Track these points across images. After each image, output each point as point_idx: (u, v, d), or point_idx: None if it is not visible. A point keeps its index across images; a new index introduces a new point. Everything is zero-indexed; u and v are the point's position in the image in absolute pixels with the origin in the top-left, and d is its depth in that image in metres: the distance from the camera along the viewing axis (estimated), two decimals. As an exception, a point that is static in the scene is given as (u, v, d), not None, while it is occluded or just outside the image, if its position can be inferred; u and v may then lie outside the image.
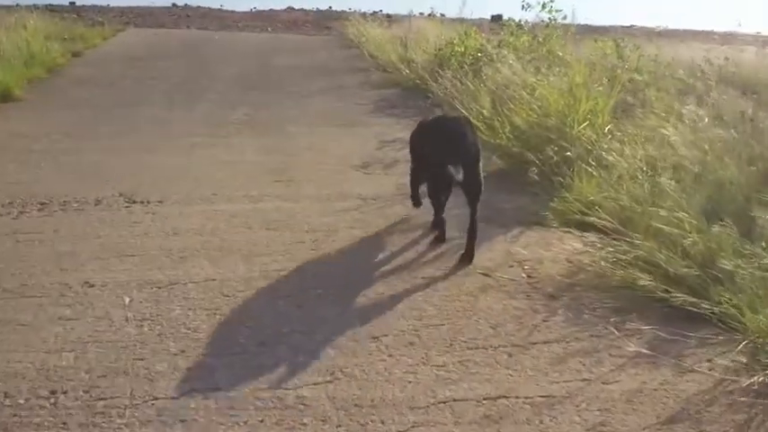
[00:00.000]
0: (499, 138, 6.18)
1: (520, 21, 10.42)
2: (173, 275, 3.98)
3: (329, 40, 17.48)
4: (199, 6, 24.83)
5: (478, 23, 22.26)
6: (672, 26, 25.61)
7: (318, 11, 25.67)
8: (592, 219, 4.71)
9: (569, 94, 6.03)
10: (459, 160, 4.10)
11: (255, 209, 5.16)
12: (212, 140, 7.15)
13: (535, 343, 3.44)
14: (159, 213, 4.99)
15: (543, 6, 8.83)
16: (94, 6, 23.65)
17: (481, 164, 4.46)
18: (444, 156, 4.13)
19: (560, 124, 5.85)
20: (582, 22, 12.04)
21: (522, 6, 8.88)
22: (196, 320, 3.50)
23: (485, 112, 6.69)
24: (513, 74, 7.18)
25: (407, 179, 5.07)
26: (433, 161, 4.31)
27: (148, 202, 5.22)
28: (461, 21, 20.54)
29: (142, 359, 3.13)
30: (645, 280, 3.87)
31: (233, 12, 23.93)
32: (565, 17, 9.30)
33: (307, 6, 26.19)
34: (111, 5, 24.01)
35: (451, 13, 20.67)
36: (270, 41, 16.56)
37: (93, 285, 3.82)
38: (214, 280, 3.95)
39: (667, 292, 3.73)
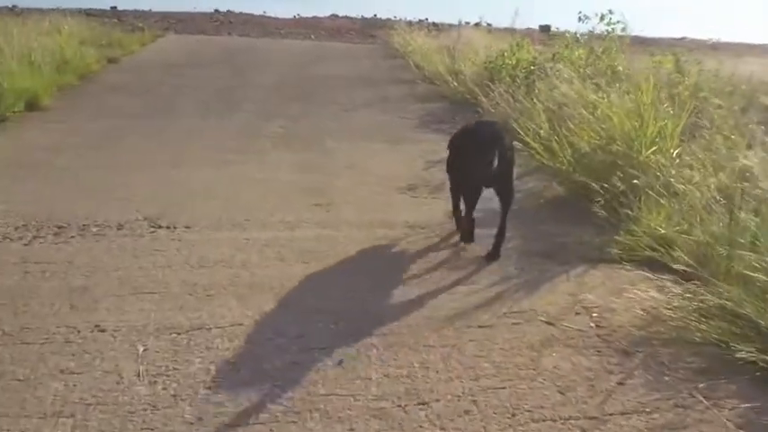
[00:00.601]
0: (559, 162, 5.63)
1: (575, 32, 9.80)
2: (195, 319, 3.50)
3: (373, 48, 17.04)
4: (241, 12, 24.58)
5: (527, 34, 21.73)
6: (724, 39, 24.78)
7: (363, 18, 25.30)
8: (665, 257, 4.19)
9: (636, 114, 5.45)
10: (496, 160, 4.15)
11: (291, 237, 4.68)
12: (246, 155, 6.69)
13: (612, 414, 2.92)
14: (186, 241, 4.53)
15: (602, 18, 8.24)
16: (136, 11, 23.54)
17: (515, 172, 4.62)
18: (483, 156, 4.16)
19: (626, 149, 5.27)
20: (632, 34, 11.42)
21: (579, 18, 8.32)
22: (218, 377, 3.00)
23: (542, 132, 6.13)
24: (571, 90, 6.60)
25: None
26: (470, 162, 4.37)
27: (175, 228, 4.76)
28: (510, 31, 20.09)
29: (151, 430, 2.64)
30: (734, 339, 3.33)
31: (276, 18, 23.65)
32: (624, 29, 8.69)
33: (351, 14, 25.84)
34: (153, 10, 23.87)
35: (500, 22, 20.15)
36: (312, 49, 16.16)
37: (104, 330, 3.35)
38: (241, 324, 3.47)
39: (760, 352, 3.20)
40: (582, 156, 5.48)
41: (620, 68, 7.90)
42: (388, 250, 4.54)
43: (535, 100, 7.54)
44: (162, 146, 6.89)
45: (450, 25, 23.78)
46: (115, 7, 24.20)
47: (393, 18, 24.25)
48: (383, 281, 4.08)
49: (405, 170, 6.42)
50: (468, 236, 4.62)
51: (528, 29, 24.68)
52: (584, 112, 5.99)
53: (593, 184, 5.07)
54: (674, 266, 4.12)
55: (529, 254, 4.53)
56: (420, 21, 23.96)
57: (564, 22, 24.90)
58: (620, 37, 8.73)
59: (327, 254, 4.42)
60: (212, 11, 25.05)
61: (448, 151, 4.84)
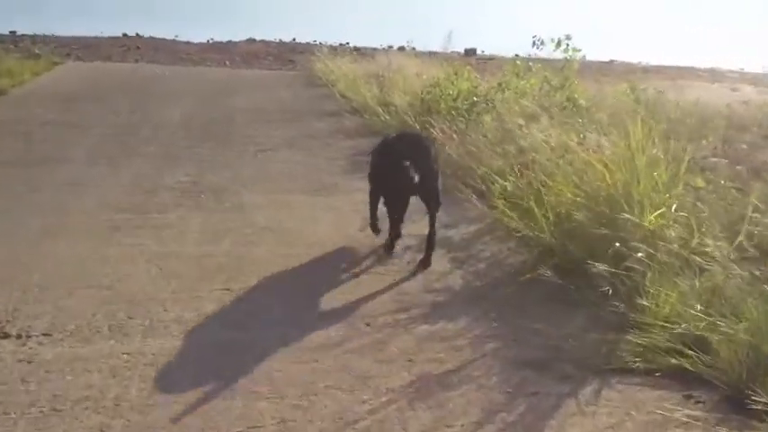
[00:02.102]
0: (537, 228, 4.49)
1: (524, 58, 8.79)
2: None
3: (294, 76, 15.80)
4: (151, 37, 22.98)
5: (449, 57, 20.90)
6: (652, 62, 24.56)
7: (281, 42, 24.03)
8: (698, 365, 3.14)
9: (623, 163, 4.37)
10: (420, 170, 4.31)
11: (185, 350, 3.40)
12: (141, 218, 5.37)
13: None
14: (39, 362, 3.23)
15: (558, 44, 7.19)
16: (36, 36, 21.70)
17: (440, 181, 4.76)
18: (404, 169, 4.26)
19: (619, 209, 4.20)
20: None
21: (534, 43, 7.27)
22: None
23: (508, 185, 5.01)
24: (535, 130, 5.52)
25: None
26: (392, 174, 4.40)
27: (28, 337, 3.46)
28: (433, 55, 19.21)
29: None
30: None
31: (188, 43, 22.16)
32: (584, 57, 7.68)
33: (268, 37, 24.49)
34: (57, 35, 22.10)
35: (424, 45, 19.23)
36: (227, 77, 14.82)
37: None
38: None
39: None
40: (564, 219, 4.35)
41: (582, 102, 6.88)
42: (325, 368, 3.31)
43: (488, 137, 6.48)
44: (31, 207, 5.49)
45: (374, 49, 22.80)
46: (14, 32, 22.30)
47: (313, 42, 23.10)
48: (318, 423, 2.85)
49: (337, 233, 5.24)
50: (388, 247, 4.81)
51: (453, 52, 23.96)
52: (557, 159, 4.90)
53: (590, 264, 3.96)
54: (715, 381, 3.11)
55: (517, 364, 3.39)
56: (341, 45, 22.88)
57: (488, 45, 24.28)
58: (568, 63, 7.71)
59: (237, 375, 3.17)
60: (120, 35, 23.36)
61: (369, 162, 4.87)
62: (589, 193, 4.40)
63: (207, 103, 11.07)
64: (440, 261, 4.73)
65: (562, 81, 7.19)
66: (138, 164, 6.99)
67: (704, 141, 6.11)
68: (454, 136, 7.18)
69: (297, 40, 24.78)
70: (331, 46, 19.52)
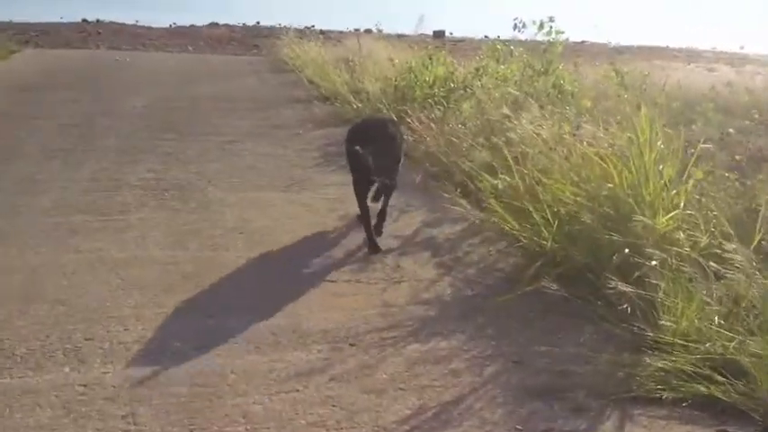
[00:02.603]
0: (534, 232, 4.15)
1: (501, 41, 8.43)
2: None
3: (259, 61, 15.29)
4: (112, 22, 22.19)
5: (418, 41, 20.52)
6: (623, 42, 24.36)
7: (245, 27, 23.43)
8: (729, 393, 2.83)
9: (636, 160, 4.06)
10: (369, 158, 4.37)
11: (149, 380, 3.04)
12: (100, 220, 4.99)
13: None
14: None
15: (541, 26, 6.86)
16: (-7, 22, 20.88)
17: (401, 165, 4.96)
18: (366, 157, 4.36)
19: (628, 209, 3.89)
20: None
21: (515, 26, 6.94)
22: None
23: (498, 183, 4.68)
24: (524, 120, 5.19)
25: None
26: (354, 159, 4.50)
27: (-34, 364, 3.07)
28: (401, 38, 18.82)
29: None
30: None
31: (149, 28, 21.43)
32: (567, 39, 7.34)
33: (232, 21, 23.87)
34: (15, 21, 21.28)
35: (391, 29, 18.86)
36: (190, 64, 14.26)
37: None
38: None
39: None
40: (565, 221, 4.03)
41: (569, 88, 6.57)
42: (302, 398, 2.98)
43: (468, 127, 6.16)
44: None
45: (341, 32, 22.34)
46: (-33, 19, 21.46)
47: (278, 26, 22.54)
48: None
49: (312, 235, 4.91)
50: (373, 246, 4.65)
51: (421, 35, 23.56)
52: (550, 152, 4.59)
53: (596, 273, 3.66)
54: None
55: (523, 393, 3.07)
56: (307, 28, 22.35)
57: (457, 27, 23.93)
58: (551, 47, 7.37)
59: (204, 409, 2.83)
60: (80, 20, 22.58)
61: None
62: (590, 192, 4.08)
63: (169, 90, 10.58)
64: (426, 267, 4.42)
65: (545, 65, 6.86)
66: (97, 158, 6.55)
67: (693, 127, 5.86)
68: (432, 126, 6.85)
69: (260, 24, 24.21)
70: (296, 29, 18.95)
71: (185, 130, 7.92)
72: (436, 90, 8.02)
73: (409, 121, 7.05)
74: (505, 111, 5.40)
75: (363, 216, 4.70)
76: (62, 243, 4.51)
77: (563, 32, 7.17)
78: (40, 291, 3.83)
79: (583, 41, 22.69)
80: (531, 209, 4.15)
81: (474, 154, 5.42)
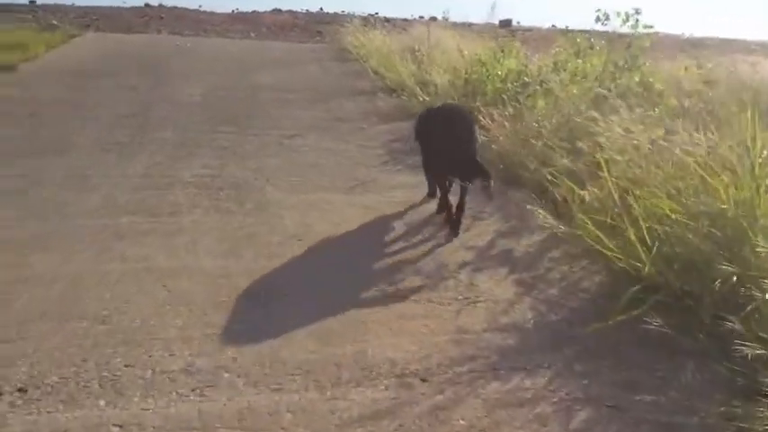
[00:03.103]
0: (632, 255, 3.62)
1: (577, 32, 7.83)
2: None
3: (322, 49, 14.89)
4: (174, 7, 22.11)
5: (485, 29, 19.91)
6: (696, 34, 23.26)
7: (308, 13, 23.07)
8: None
9: (747, 173, 3.51)
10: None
11: (197, 419, 2.66)
12: (150, 222, 4.64)
13: None
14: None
15: (627, 18, 6.28)
16: (56, 5, 20.96)
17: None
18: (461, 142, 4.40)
19: (735, 232, 3.36)
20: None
21: (597, 18, 6.37)
22: None
23: (586, 195, 4.17)
24: (613, 122, 4.66)
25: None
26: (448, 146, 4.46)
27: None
28: (468, 26, 18.25)
29: None
30: None
31: (212, 13, 21.26)
32: (656, 33, 6.74)
33: (295, 7, 23.56)
34: (77, 5, 21.36)
35: (456, 16, 18.28)
36: (252, 51, 13.93)
37: None
38: None
39: None
40: (663, 241, 3.50)
41: (658, 86, 5.99)
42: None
43: (546, 126, 5.65)
44: (25, 208, 4.75)
45: (405, 20, 21.85)
46: (34, 1, 21.55)
47: (341, 12, 22.17)
48: None
49: (378, 245, 4.48)
50: (450, 217, 4.69)
51: (487, 23, 22.91)
52: (642, 159, 4.05)
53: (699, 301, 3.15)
54: None
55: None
56: (370, 15, 21.90)
57: (523, 16, 23.19)
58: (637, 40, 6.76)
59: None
60: (142, 5, 22.55)
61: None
62: (690, 209, 3.54)
63: (229, 79, 10.26)
64: (503, 285, 3.94)
65: (631, 61, 6.28)
66: (151, 152, 6.23)
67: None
68: (506, 124, 6.34)
69: (324, 11, 23.85)
70: (360, 16, 18.50)
71: (244, 122, 7.56)
72: (509, 85, 7.48)
73: (480, 117, 6.55)
74: (593, 113, 4.84)
75: (445, 197, 4.77)
76: (107, 249, 4.16)
77: (651, 26, 6.57)
78: (80, 305, 3.47)
79: (655, 32, 21.75)
80: (624, 225, 3.62)
81: (553, 157, 4.90)
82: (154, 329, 3.28)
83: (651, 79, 6.07)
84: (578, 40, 7.17)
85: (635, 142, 4.26)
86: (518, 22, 23.50)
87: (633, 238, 3.50)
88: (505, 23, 22.37)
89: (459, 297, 3.76)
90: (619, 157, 4.25)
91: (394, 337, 3.34)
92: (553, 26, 24.43)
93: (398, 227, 4.76)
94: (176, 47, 13.68)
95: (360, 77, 10.91)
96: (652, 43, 7.21)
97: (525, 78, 7.49)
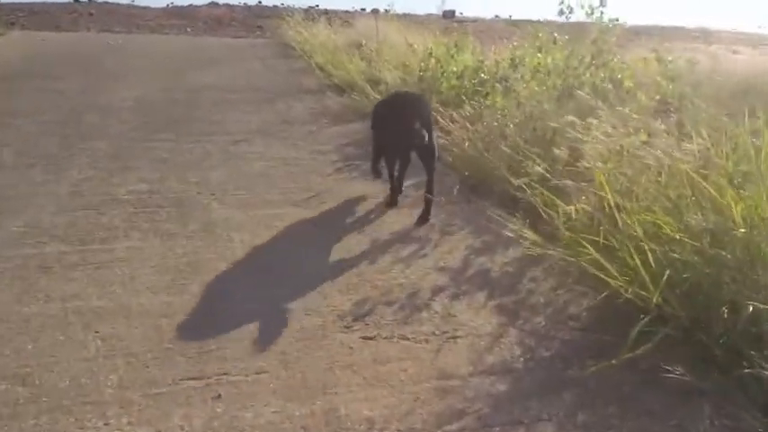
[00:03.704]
0: (633, 278, 3.21)
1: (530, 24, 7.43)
2: None
3: (263, 44, 14.33)
4: (105, 2, 21.20)
5: (425, 20, 19.53)
6: (634, 22, 23.18)
7: (246, 6, 22.41)
8: None
9: (756, 182, 3.14)
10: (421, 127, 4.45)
11: None
12: (79, 251, 4.08)
13: None
14: None
15: (591, 11, 5.90)
16: (-18, 3, 19.88)
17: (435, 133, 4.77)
18: (410, 123, 4.45)
19: (746, 253, 2.98)
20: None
21: (561, 11, 5.97)
22: None
23: (571, 211, 3.76)
24: (592, 126, 4.27)
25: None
26: (397, 129, 4.59)
27: None
28: (407, 17, 17.83)
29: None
30: None
31: (145, 8, 20.44)
32: (621, 23, 6.37)
33: (233, 1, 22.82)
34: (3, 2, 20.29)
35: (399, 8, 17.84)
36: (188, 48, 13.28)
37: None
38: None
39: None
40: (666, 265, 3.09)
41: (628, 83, 5.62)
42: None
43: (509, 127, 5.27)
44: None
45: (346, 12, 21.35)
46: (-43, 0, 20.43)
47: (280, 5, 21.54)
48: None
49: (339, 268, 4.00)
50: (393, 199, 4.98)
51: (428, 14, 22.54)
52: (638, 173, 3.66)
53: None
54: None
55: None
56: (310, 8, 21.32)
57: (464, 6, 22.85)
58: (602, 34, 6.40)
59: None
60: (71, 1, 21.54)
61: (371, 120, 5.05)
62: (692, 226, 3.15)
63: (166, 79, 9.64)
64: (483, 314, 3.52)
65: (595, 55, 5.91)
66: (81, 165, 5.64)
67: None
68: (468, 125, 5.93)
69: (262, 3, 23.18)
70: (301, 9, 17.92)
71: (184, 128, 7.00)
72: (466, 82, 7.07)
73: (439, 118, 6.13)
74: (569, 116, 4.44)
75: (390, 176, 4.97)
76: (29, 286, 3.61)
77: (617, 19, 6.21)
78: (-5, 361, 2.93)
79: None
80: (616, 245, 3.22)
81: (522, 163, 4.51)
82: (85, 390, 2.77)
83: (620, 75, 5.69)
84: (540, 34, 6.78)
85: (617, 147, 3.86)
86: (461, 13, 23.21)
87: (636, 261, 3.08)
88: (449, 14, 22.06)
89: (437, 332, 3.32)
90: (600, 164, 3.85)
91: (368, 387, 2.88)
92: (497, 17, 24.26)
93: (360, 245, 4.31)
94: (107, 45, 12.95)
95: (306, 75, 10.40)
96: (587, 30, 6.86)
97: (482, 75, 7.09)
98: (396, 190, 4.96)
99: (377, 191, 5.23)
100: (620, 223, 3.28)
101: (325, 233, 4.48)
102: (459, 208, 5.01)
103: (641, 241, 3.07)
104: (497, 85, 6.45)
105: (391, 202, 4.95)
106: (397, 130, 4.58)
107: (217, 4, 22.03)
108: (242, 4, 22.56)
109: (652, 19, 22.57)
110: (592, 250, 3.27)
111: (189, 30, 17.18)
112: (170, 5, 21.59)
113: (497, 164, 5.03)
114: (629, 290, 3.05)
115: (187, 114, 7.58)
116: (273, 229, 4.51)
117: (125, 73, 9.95)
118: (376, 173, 5.17)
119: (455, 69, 7.37)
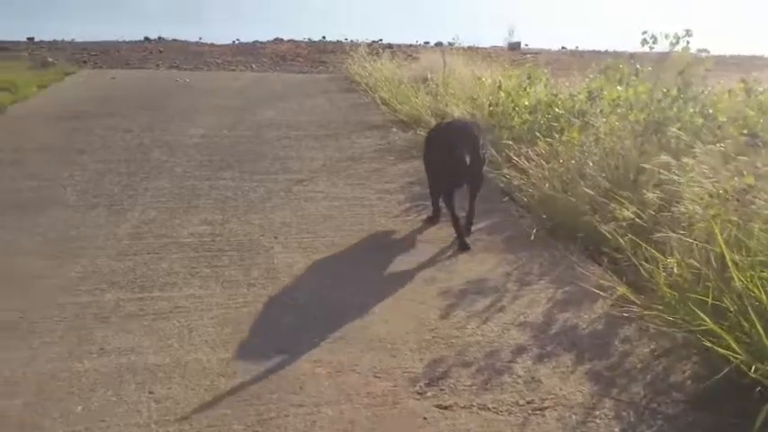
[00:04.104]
0: (756, 353, 2.83)
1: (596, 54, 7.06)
2: None
3: (327, 79, 14.25)
4: (174, 40, 21.56)
5: (491, 53, 19.27)
6: (714, 52, 22.52)
7: (310, 42, 22.48)
8: None
9: None
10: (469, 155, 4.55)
11: None
12: (137, 298, 3.90)
13: None
14: None
15: (677, 41, 5.55)
16: (56, 42, 20.43)
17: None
18: (458, 151, 4.53)
19: None
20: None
21: (643, 41, 5.63)
22: None
23: (673, 262, 3.41)
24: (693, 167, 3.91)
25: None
26: (446, 157, 4.65)
27: None
28: (474, 50, 17.60)
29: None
30: None
31: (212, 45, 20.69)
32: (708, 53, 5.97)
33: (297, 36, 22.95)
34: (78, 40, 20.79)
35: (463, 41, 17.60)
36: (254, 84, 13.28)
37: None
38: None
39: None
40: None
41: (721, 118, 5.23)
42: None
43: (590, 164, 4.94)
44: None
45: (410, 46, 21.25)
46: (32, 38, 21.00)
47: (344, 40, 21.53)
48: None
49: (409, 321, 3.72)
50: (434, 219, 5.25)
51: (493, 47, 22.28)
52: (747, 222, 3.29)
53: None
54: None
55: None
56: (373, 42, 21.26)
57: (532, 39, 22.63)
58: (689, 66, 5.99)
59: None
60: (142, 39, 21.97)
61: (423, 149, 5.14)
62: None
63: (231, 116, 9.56)
64: (573, 380, 3.17)
65: (683, 88, 5.52)
66: (144, 205, 5.51)
67: None
68: (543, 164, 5.61)
69: (326, 39, 23.24)
70: (364, 44, 17.84)
71: (248, 165, 6.85)
72: (539, 116, 6.76)
73: (512, 156, 5.84)
74: (664, 157, 4.09)
75: (437, 216, 5.25)
76: (84, 338, 3.42)
77: (706, 50, 5.82)
78: (42, 425, 2.71)
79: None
80: (733, 308, 2.85)
81: (606, 205, 4.16)
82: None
83: (712, 110, 5.30)
84: (621, 65, 6.42)
85: (720, 191, 3.49)
86: (526, 45, 22.87)
87: (759, 330, 2.70)
88: (514, 46, 21.76)
89: (521, 401, 2.99)
90: (700, 210, 3.49)
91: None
92: (563, 48, 23.85)
93: (432, 295, 4.02)
94: (175, 83, 13.03)
95: (370, 110, 10.22)
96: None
97: (557, 109, 6.76)
98: (438, 212, 5.23)
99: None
100: (735, 282, 2.89)
101: (393, 282, 4.21)
102: (538, 254, 4.68)
103: (759, 302, 2.69)
104: (574, 119, 6.10)
105: (431, 222, 5.26)
106: (447, 159, 4.65)
107: (281, 39, 22.17)
108: (306, 40, 22.65)
109: (727, 48, 21.77)
110: (702, 315, 2.89)
111: (254, 66, 17.26)
112: (236, 42, 21.81)
113: (579, 205, 4.69)
114: (753, 367, 2.65)
115: (251, 151, 7.44)
116: (339, 277, 4.26)
117: (192, 110, 9.92)
118: (435, 208, 5.25)
119: (527, 103, 7.05)
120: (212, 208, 5.49)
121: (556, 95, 7.11)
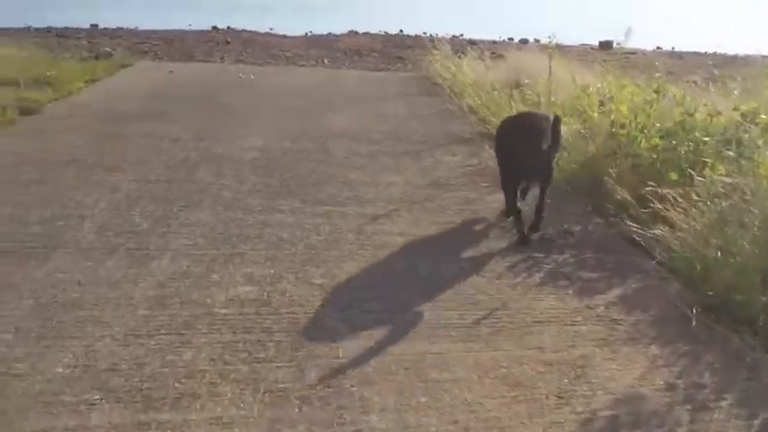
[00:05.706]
0: None
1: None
2: None
3: (404, 79, 12.89)
4: (243, 30, 20.43)
5: (580, 52, 17.68)
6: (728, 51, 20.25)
7: (386, 35, 21.15)
8: None
9: None
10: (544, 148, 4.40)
11: None
12: (137, 417, 2.65)
13: None
14: None
15: None
16: (119, 29, 19.62)
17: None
18: (532, 144, 4.39)
19: None
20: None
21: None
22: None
23: None
24: None
25: None
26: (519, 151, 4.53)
27: None
28: (560, 48, 16.01)
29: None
30: None
31: (283, 37, 19.52)
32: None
33: (372, 29, 21.61)
34: (141, 28, 19.94)
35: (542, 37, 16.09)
36: (324, 83, 11.98)
37: None
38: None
39: None
40: None
41: None
42: None
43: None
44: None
45: (493, 42, 19.81)
46: (96, 25, 20.22)
47: (423, 34, 20.13)
48: None
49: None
50: (508, 214, 4.87)
51: (582, 45, 20.61)
52: None
53: None
54: None
55: None
56: (455, 37, 19.81)
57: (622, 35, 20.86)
58: None
59: None
60: (209, 27, 20.93)
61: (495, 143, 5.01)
62: None
63: (296, 123, 8.28)
64: None
65: None
66: (176, 251, 4.31)
67: None
68: (694, 211, 4.22)
69: (403, 32, 21.88)
70: (445, 39, 16.39)
71: (310, 191, 5.59)
72: (676, 144, 5.32)
73: (654, 202, 4.45)
74: None
75: (514, 210, 4.72)
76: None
77: None
78: None
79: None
80: None
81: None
82: None
83: None
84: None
85: None
86: (618, 44, 21.08)
87: None
88: (606, 45, 20.09)
89: None
90: None
91: None
92: (658, 48, 22.02)
93: (561, 415, 2.68)
94: (238, 79, 11.89)
95: (455, 119, 8.87)
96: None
97: (697, 134, 5.32)
98: (512, 209, 4.77)
99: (573, 308, 3.61)
100: None
101: (505, 390, 2.89)
102: (706, 349, 3.32)
103: None
104: (730, 152, 4.68)
105: (506, 215, 4.94)
106: (519, 153, 4.52)
107: (356, 32, 20.90)
108: (382, 33, 21.33)
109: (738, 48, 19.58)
110: None
111: (326, 61, 16.02)
112: (309, 34, 20.65)
113: (750, 274, 3.30)
114: None
115: (316, 171, 6.17)
116: (429, 382, 2.97)
117: (252, 114, 8.72)
118: (510, 209, 4.82)
119: (657, 125, 5.61)
120: (261, 258, 4.26)
121: (691, 114, 5.64)
